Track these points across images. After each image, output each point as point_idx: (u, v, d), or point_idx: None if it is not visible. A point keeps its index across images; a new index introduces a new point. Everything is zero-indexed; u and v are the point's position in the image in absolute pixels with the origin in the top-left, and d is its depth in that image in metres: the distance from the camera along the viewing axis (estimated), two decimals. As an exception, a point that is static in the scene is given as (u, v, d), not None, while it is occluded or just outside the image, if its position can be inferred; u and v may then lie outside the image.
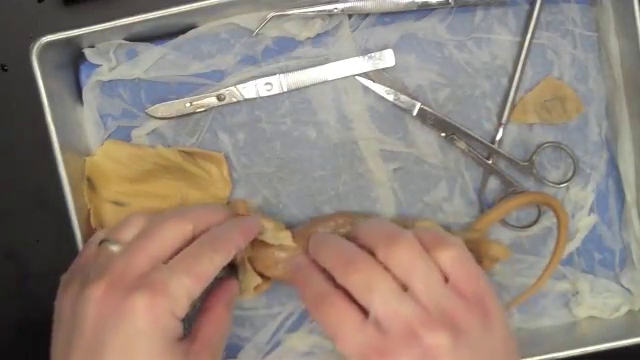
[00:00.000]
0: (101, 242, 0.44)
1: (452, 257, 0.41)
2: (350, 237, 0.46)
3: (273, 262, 0.49)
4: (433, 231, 0.44)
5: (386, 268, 0.41)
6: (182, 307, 0.41)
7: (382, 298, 0.39)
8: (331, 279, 0.43)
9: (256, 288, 0.49)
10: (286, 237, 0.49)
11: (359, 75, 0.51)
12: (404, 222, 0.48)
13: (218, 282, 0.48)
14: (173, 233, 0.43)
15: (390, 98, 0.51)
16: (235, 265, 0.49)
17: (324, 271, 0.44)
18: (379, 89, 0.51)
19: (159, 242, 0.42)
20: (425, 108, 0.51)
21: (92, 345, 0.39)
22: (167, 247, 0.42)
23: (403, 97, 0.51)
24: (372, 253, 0.42)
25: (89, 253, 0.45)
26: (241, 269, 0.48)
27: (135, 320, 0.39)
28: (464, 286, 0.41)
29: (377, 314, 0.39)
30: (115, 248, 0.43)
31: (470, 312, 0.40)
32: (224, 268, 0.48)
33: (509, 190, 0.52)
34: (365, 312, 0.40)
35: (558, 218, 0.50)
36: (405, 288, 0.40)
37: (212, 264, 0.42)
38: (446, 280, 0.41)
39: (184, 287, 0.41)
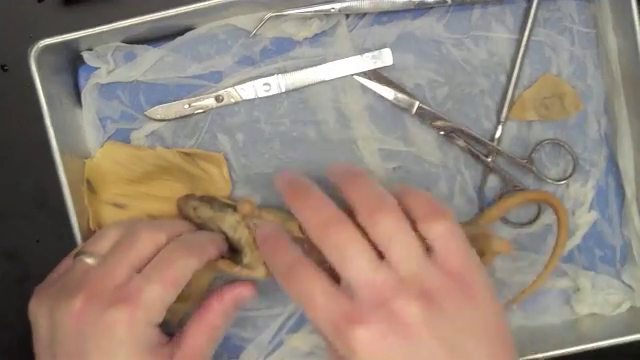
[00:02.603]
0: (76, 255, 0.44)
1: (442, 230, 0.40)
2: (335, 188, 0.43)
3: None
4: (427, 200, 0.42)
5: (365, 233, 0.40)
6: (158, 314, 0.42)
7: (355, 264, 0.39)
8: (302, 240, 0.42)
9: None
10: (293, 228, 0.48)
11: (357, 75, 0.51)
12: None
13: (224, 285, 0.47)
14: (147, 243, 0.43)
15: (388, 97, 0.51)
16: (239, 250, 0.48)
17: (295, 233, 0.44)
18: (377, 88, 0.51)
19: (134, 253, 0.43)
20: (423, 107, 0.51)
21: (75, 358, 0.41)
22: (142, 257, 0.43)
23: (401, 96, 0.51)
24: (353, 214, 0.41)
25: (66, 266, 0.45)
26: (247, 251, 0.48)
27: (114, 333, 0.40)
28: (447, 261, 0.40)
29: (349, 280, 0.38)
30: (90, 261, 0.43)
31: (450, 287, 0.39)
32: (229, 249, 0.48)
33: (509, 188, 0.51)
34: (336, 277, 0.39)
35: (558, 216, 0.50)
36: (382, 256, 0.39)
37: (186, 267, 0.43)
38: (430, 252, 0.40)
39: (158, 295, 0.41)
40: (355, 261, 0.39)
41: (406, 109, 0.51)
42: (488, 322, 0.40)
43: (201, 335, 0.45)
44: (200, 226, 0.49)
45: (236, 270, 0.48)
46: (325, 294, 0.39)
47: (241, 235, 0.48)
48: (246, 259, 0.48)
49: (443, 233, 0.40)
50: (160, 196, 0.51)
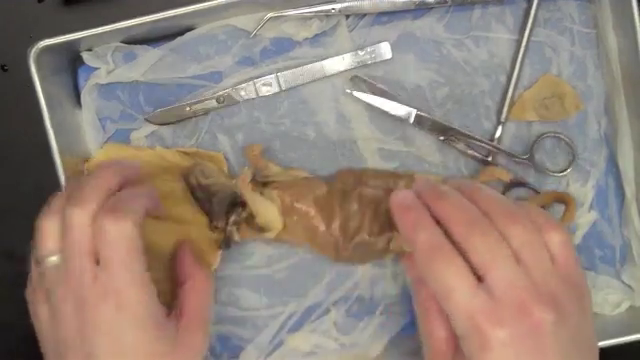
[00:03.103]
0: (37, 262, 0.43)
1: (560, 240, 0.42)
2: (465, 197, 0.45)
3: (308, 190, 0.49)
4: (543, 212, 0.44)
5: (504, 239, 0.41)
6: (146, 287, 0.41)
7: (501, 267, 0.40)
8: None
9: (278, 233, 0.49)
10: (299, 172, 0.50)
11: (354, 76, 0.51)
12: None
13: (187, 246, 0.48)
14: (82, 228, 0.41)
15: (384, 108, 0.51)
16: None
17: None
18: (374, 100, 0.51)
19: (82, 244, 0.41)
20: (421, 114, 0.51)
21: (84, 351, 0.41)
22: (89, 244, 0.41)
23: (398, 105, 0.51)
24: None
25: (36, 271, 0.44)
26: (254, 200, 0.48)
27: (115, 323, 0.40)
28: (567, 268, 0.41)
29: (493, 281, 0.39)
30: (51, 262, 0.42)
31: (571, 294, 0.41)
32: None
33: (510, 188, 0.52)
34: (476, 275, 0.40)
35: (568, 210, 0.50)
36: (518, 262, 0.41)
37: (130, 232, 0.41)
38: (552, 261, 0.42)
39: (130, 272, 0.41)
40: (500, 262, 0.40)
41: (404, 118, 0.51)
42: (591, 333, 0.42)
43: (198, 299, 0.46)
44: (205, 188, 0.48)
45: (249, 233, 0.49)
46: (468, 289, 0.40)
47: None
48: (256, 208, 0.48)
49: (562, 243, 0.42)
50: (160, 195, 0.51)
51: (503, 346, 0.38)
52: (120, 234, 0.41)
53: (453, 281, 0.40)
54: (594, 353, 0.42)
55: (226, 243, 0.49)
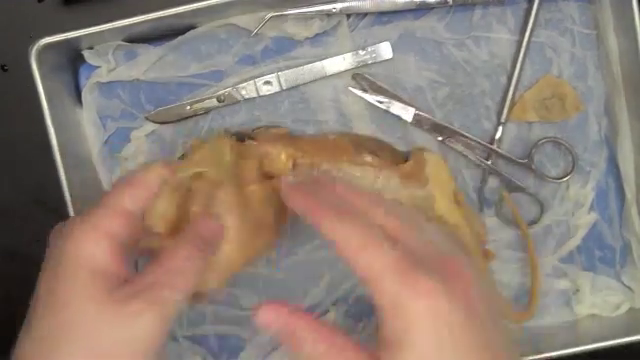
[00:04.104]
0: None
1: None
2: None
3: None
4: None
5: None
6: (118, 230, 0.38)
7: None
8: None
9: None
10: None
11: (356, 74, 0.51)
12: None
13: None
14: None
15: (383, 107, 0.51)
16: None
17: None
18: (373, 99, 0.51)
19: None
20: (420, 113, 0.51)
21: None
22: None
23: (398, 104, 0.51)
24: None
25: None
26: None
27: (62, 253, 0.37)
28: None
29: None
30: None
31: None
32: None
33: (508, 189, 0.52)
34: None
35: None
36: None
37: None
38: None
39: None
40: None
41: (404, 118, 0.51)
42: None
43: (164, 266, 0.38)
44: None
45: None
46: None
47: None
48: None
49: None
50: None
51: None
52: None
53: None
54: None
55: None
